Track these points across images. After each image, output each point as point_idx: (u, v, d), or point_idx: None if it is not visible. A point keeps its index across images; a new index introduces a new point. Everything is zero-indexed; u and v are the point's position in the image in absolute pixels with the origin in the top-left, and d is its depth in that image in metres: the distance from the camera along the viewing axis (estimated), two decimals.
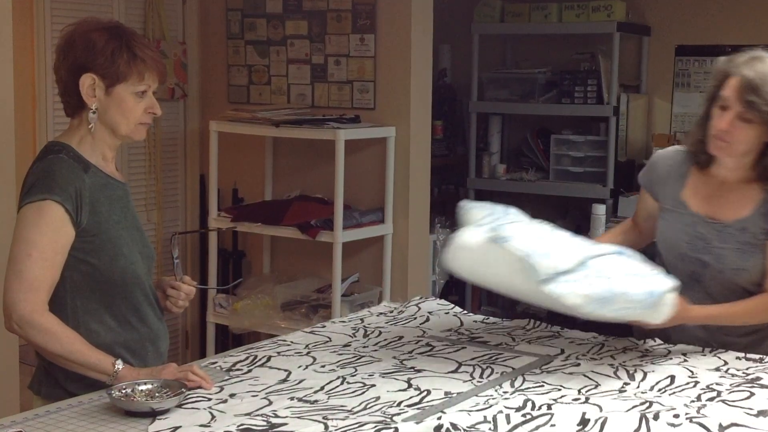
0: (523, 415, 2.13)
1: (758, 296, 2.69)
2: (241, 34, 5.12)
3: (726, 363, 2.57)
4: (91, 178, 2.38)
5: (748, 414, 2.16)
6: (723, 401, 2.25)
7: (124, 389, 2.21)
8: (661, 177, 2.84)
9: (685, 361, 2.59)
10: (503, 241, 2.42)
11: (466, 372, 2.48)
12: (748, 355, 2.63)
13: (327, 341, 2.77)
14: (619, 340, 2.78)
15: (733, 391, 2.32)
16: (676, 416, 2.13)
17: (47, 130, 4.51)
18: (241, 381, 2.39)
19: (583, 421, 2.10)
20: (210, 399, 2.25)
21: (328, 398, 2.27)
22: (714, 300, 2.72)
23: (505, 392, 2.32)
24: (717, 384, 2.38)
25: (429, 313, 3.06)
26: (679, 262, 2.78)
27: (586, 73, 5.53)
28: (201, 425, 2.09)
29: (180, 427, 2.08)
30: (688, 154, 2.79)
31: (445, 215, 5.79)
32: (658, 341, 2.74)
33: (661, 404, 2.21)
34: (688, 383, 2.39)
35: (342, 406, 2.21)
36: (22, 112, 4.13)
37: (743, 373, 2.48)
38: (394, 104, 4.69)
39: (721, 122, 2.58)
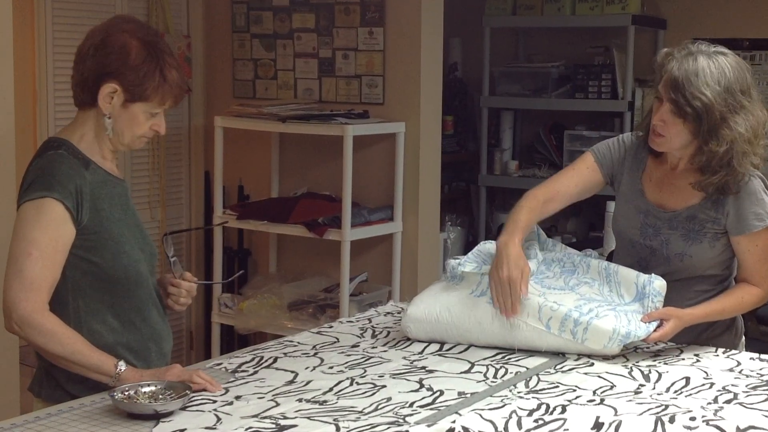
0: (536, 420, 2.12)
1: (739, 287, 2.76)
2: (246, 28, 5.09)
3: (739, 363, 2.58)
4: (92, 174, 2.36)
5: (766, 417, 2.16)
6: (740, 404, 2.25)
7: (127, 391, 2.20)
8: (622, 162, 2.86)
9: (698, 361, 2.59)
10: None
11: (480, 372, 2.48)
12: (762, 356, 2.64)
13: (335, 342, 2.76)
14: None
15: (751, 394, 2.32)
16: (693, 419, 2.12)
17: (48, 127, 4.50)
18: (247, 383, 2.38)
19: (597, 425, 2.09)
20: (215, 401, 2.24)
21: (338, 399, 2.26)
22: None
23: (519, 392, 2.32)
24: (733, 385, 2.38)
25: None
26: (629, 248, 2.84)
27: (601, 68, 5.52)
28: (206, 428, 2.08)
29: (184, 429, 2.07)
30: (644, 140, 2.82)
31: (455, 213, 5.77)
32: (670, 343, 2.74)
33: (677, 406, 2.20)
34: (703, 384, 2.39)
35: (352, 407, 2.21)
36: (22, 109, 4.12)
37: (757, 374, 2.49)
38: (404, 99, 4.65)
39: (656, 115, 2.64)
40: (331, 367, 2.50)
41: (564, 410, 2.17)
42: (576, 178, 2.87)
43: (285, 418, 2.12)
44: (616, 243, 2.93)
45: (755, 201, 2.68)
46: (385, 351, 2.66)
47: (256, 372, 2.46)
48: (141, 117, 2.38)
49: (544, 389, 2.34)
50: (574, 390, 2.33)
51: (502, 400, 2.24)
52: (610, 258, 3.01)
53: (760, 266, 2.71)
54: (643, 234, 2.80)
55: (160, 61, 2.35)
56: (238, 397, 2.26)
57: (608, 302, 2.63)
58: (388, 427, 2.06)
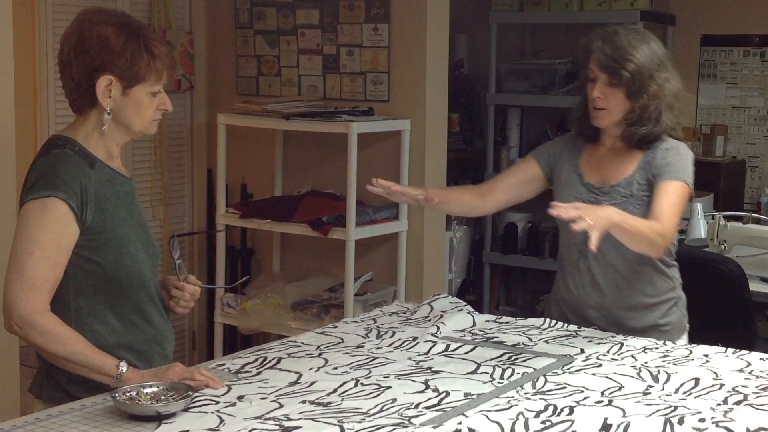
0: (543, 422, 2.11)
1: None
2: (250, 24, 5.07)
3: (749, 364, 2.57)
4: (97, 173, 2.34)
5: None
6: (750, 405, 2.23)
7: (129, 392, 2.19)
8: (561, 154, 3.07)
9: (708, 361, 2.59)
10: None
11: (486, 373, 2.47)
12: None
13: (339, 342, 2.75)
14: (639, 340, 2.79)
15: (761, 395, 2.30)
16: (702, 420, 2.12)
17: (48, 126, 4.49)
18: (250, 383, 2.37)
19: (606, 426, 2.09)
20: (218, 402, 2.23)
21: (342, 400, 2.25)
22: (598, 280, 2.93)
23: (526, 393, 2.31)
24: (743, 386, 2.37)
25: (442, 312, 3.02)
26: (570, 234, 2.82)
27: None
28: (209, 429, 2.07)
29: (187, 431, 2.06)
30: (577, 135, 3.08)
31: None
32: (678, 343, 2.75)
33: (686, 408, 2.19)
34: (713, 385, 2.38)
35: (357, 408, 2.20)
36: (22, 109, 4.12)
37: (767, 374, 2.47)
38: (409, 96, 4.62)
39: (593, 91, 2.90)
40: (335, 368, 2.49)
41: (572, 411, 2.16)
42: (513, 170, 3.21)
43: (289, 419, 2.11)
44: (561, 229, 3.03)
45: (685, 159, 2.90)
46: (390, 351, 2.64)
47: (259, 373, 2.45)
48: (145, 100, 2.36)
49: (551, 390, 2.32)
50: (582, 391, 2.32)
51: (508, 402, 2.23)
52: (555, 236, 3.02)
53: (668, 208, 2.80)
54: None
55: (141, 38, 2.33)
56: (241, 398, 2.24)
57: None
58: (394, 429, 2.04)
